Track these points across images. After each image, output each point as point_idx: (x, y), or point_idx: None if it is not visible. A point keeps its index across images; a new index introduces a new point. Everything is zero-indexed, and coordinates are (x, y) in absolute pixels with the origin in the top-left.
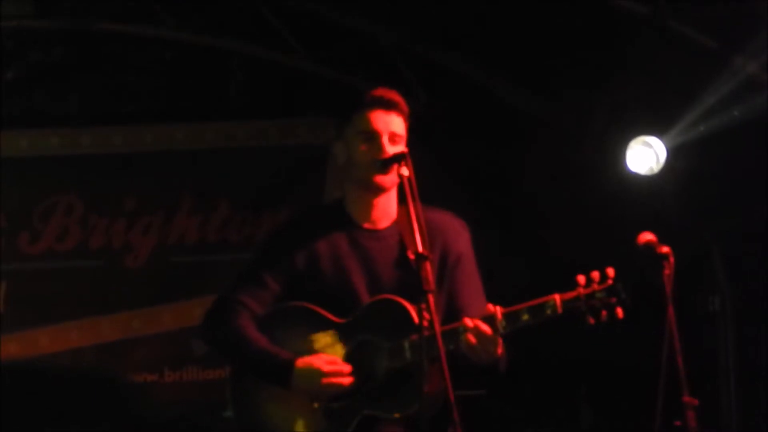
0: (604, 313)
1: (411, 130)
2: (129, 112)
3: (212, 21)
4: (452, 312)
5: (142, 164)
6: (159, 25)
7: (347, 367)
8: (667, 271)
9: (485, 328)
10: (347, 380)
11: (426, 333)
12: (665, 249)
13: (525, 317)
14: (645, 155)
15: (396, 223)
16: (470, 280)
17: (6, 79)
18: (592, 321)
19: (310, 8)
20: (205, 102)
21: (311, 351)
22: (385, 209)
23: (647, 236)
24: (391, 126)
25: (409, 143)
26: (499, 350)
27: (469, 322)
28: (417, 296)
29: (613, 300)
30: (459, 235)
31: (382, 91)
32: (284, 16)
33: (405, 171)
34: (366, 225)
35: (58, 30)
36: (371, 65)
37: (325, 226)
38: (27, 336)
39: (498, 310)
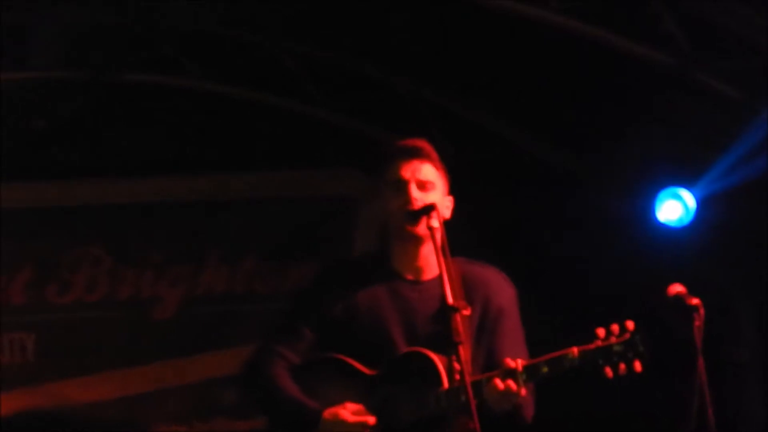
0: (622, 366)
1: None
2: (155, 163)
3: (237, 72)
4: (491, 366)
5: (169, 215)
6: (184, 76)
7: (372, 418)
8: (697, 323)
9: (508, 381)
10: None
11: (454, 385)
12: (695, 301)
13: (545, 369)
14: (674, 206)
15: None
16: (511, 335)
17: (33, 130)
18: (610, 374)
19: (335, 60)
20: (231, 153)
21: (341, 402)
22: (429, 260)
23: (677, 288)
24: (419, 173)
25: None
26: (520, 399)
27: (493, 374)
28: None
29: (631, 353)
30: (501, 290)
31: (407, 141)
32: (308, 68)
33: (435, 223)
34: (409, 276)
35: (84, 81)
36: (397, 117)
37: (366, 277)
38: (55, 388)
39: (519, 363)
